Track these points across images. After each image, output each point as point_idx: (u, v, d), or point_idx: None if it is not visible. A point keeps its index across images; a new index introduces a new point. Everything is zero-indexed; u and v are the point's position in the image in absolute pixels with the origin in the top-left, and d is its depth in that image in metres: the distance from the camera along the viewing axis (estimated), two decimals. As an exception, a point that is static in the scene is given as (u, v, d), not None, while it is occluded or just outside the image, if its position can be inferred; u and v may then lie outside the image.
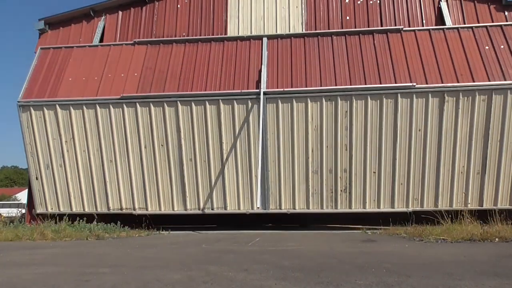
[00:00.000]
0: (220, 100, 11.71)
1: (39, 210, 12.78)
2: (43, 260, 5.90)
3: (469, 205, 11.30)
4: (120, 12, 14.60)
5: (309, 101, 11.50)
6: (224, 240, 9.01)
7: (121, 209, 12.58)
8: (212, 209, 12.17)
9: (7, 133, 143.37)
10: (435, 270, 4.48)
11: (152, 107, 11.94)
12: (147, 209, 12.44)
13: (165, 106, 11.90)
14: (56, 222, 11.17)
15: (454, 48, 11.95)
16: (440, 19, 13.11)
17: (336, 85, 11.67)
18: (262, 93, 11.48)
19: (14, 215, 16.15)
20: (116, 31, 14.36)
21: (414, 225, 9.45)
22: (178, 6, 14.40)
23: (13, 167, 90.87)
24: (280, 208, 11.98)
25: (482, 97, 11.00)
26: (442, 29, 12.53)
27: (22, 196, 48.41)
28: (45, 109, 12.24)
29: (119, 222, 11.77)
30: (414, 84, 11.26)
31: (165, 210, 12.39)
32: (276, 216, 16.73)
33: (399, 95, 11.20)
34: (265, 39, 12.91)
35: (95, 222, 11.60)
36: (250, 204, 12.02)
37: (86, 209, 12.69)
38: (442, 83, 11.21)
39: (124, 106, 12.02)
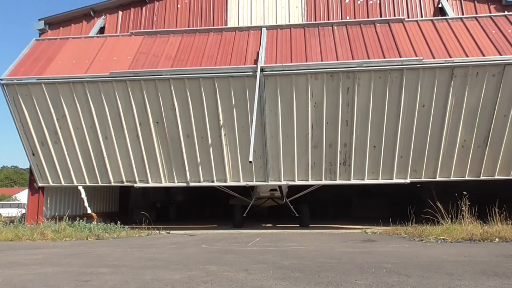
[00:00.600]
0: (215, 79, 11.21)
1: (41, 183, 12.82)
2: (43, 260, 5.90)
3: (466, 176, 11.46)
4: (120, 12, 14.63)
5: (309, 78, 10.99)
6: (224, 240, 9.00)
7: (122, 182, 12.58)
8: (212, 181, 12.18)
9: (7, 133, 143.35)
10: (435, 270, 4.48)
11: (144, 85, 11.48)
12: (148, 182, 12.40)
13: (157, 84, 11.43)
14: (56, 222, 11.18)
15: (460, 32, 11.62)
16: (440, 19, 13.06)
17: (337, 60, 11.18)
18: (259, 69, 10.89)
19: (14, 215, 16.12)
20: (116, 31, 14.38)
21: (414, 225, 9.44)
22: (178, 6, 14.42)
23: (13, 167, 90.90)
24: (280, 180, 12.03)
25: (492, 72, 10.63)
26: (446, 19, 12.31)
27: (22, 196, 48.39)
28: (30, 87, 11.84)
29: (119, 222, 11.77)
30: (421, 58, 10.77)
31: (165, 182, 12.39)
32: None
33: (404, 71, 10.74)
34: (264, 29, 12.65)
35: (95, 222, 11.60)
36: (250, 177, 12.00)
37: (88, 182, 12.70)
38: (450, 57, 10.80)
39: (114, 84, 11.56)
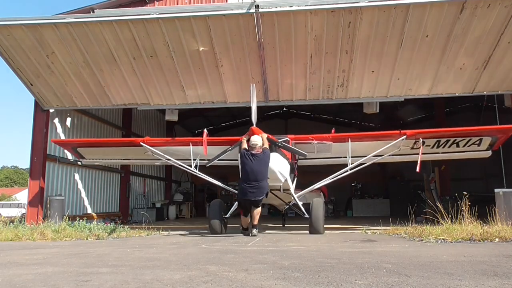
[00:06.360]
0: (208, 18, 10.78)
1: (46, 107, 13.12)
2: (43, 260, 5.90)
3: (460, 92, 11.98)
4: (120, 12, 14.61)
5: (309, 15, 10.63)
6: (224, 240, 9.00)
7: (125, 104, 13.06)
8: (213, 102, 12.67)
9: (7, 133, 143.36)
10: (435, 270, 4.47)
11: (132, 26, 11.08)
12: (149, 105, 12.90)
13: (146, 25, 11.03)
14: (56, 222, 11.18)
15: None
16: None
17: None
18: (255, 5, 10.41)
19: (14, 215, 16.11)
20: (116, 30, 14.33)
21: (414, 225, 9.44)
22: (178, 6, 14.40)
23: (13, 167, 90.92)
24: (279, 100, 12.66)
25: (505, 4, 10.15)
26: None
27: (22, 196, 48.42)
28: (10, 28, 11.37)
29: (119, 222, 11.78)
30: None
31: (167, 104, 12.91)
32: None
33: (411, 6, 10.24)
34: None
35: (95, 222, 11.60)
36: (248, 98, 12.28)
37: (91, 105, 13.15)
38: None
39: (100, 25, 11.23)
